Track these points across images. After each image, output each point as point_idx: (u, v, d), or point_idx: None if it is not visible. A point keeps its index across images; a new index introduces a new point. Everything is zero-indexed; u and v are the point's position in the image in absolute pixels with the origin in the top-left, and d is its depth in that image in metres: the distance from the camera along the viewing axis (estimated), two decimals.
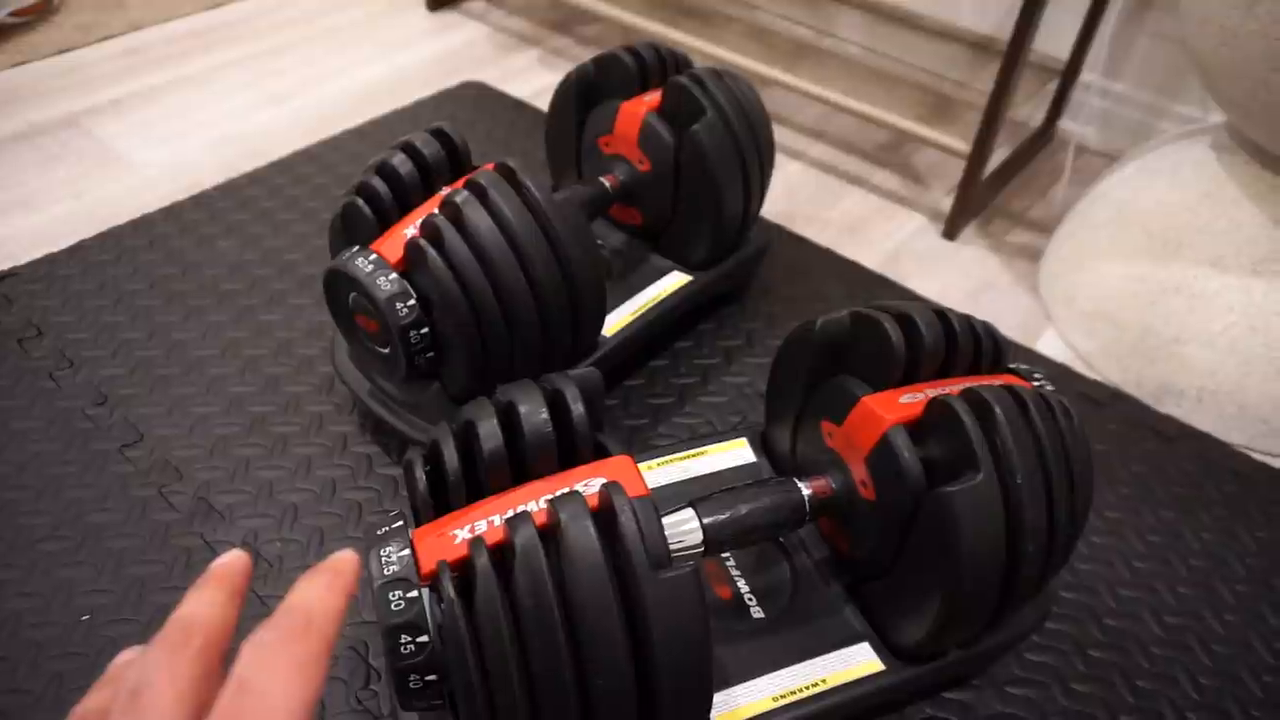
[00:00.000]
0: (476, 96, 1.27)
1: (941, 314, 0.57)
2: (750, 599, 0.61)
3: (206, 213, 1.02)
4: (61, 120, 1.18)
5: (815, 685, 0.56)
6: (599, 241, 0.88)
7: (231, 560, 0.31)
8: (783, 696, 0.55)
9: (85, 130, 1.17)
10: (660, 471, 0.68)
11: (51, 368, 0.82)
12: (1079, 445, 0.54)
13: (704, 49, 1.18)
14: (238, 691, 0.25)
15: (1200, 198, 0.87)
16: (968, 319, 0.58)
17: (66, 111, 1.20)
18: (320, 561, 0.32)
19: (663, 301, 0.82)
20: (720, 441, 0.71)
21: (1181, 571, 0.73)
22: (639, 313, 0.80)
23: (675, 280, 0.84)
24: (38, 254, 0.95)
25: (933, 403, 0.53)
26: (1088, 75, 1.22)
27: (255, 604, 0.66)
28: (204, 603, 0.29)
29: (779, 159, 0.97)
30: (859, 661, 0.58)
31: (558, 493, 0.46)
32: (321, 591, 0.30)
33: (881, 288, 0.99)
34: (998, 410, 0.50)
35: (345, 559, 0.32)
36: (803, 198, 1.14)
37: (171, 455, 0.75)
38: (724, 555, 0.64)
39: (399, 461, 0.76)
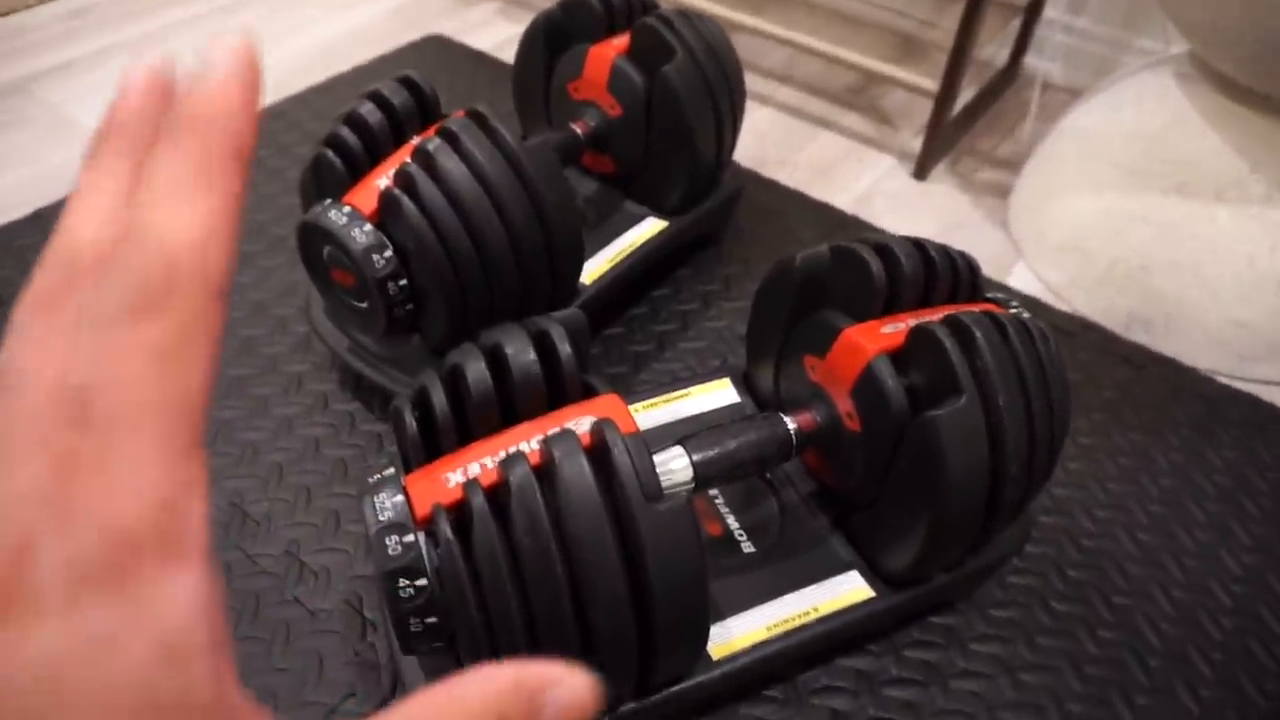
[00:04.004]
0: (438, 51, 1.24)
1: (920, 244, 0.58)
2: (740, 534, 0.62)
3: None
4: (8, 86, 1.14)
5: (807, 614, 0.57)
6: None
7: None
8: (776, 626, 0.57)
9: (34, 96, 1.13)
10: (646, 414, 0.69)
11: None
12: (1057, 368, 0.55)
13: None
14: (76, 426, 0.15)
15: (1164, 127, 0.88)
16: (945, 249, 0.59)
17: (12, 77, 1.16)
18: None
19: (639, 248, 0.82)
20: (703, 383, 0.72)
21: (1153, 492, 0.75)
22: (615, 260, 0.80)
23: (650, 226, 0.84)
24: None
25: (915, 330, 0.53)
26: (1050, 12, 1.22)
27: (245, 564, 0.65)
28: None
29: (747, 104, 0.96)
30: (849, 589, 0.59)
31: (550, 432, 0.47)
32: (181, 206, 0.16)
33: (854, 228, 0.99)
34: (978, 334, 0.51)
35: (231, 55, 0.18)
36: (772, 141, 1.14)
37: None
38: (712, 493, 0.65)
39: (382, 418, 0.76)
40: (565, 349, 0.50)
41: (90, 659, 0.14)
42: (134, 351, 0.15)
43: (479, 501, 0.43)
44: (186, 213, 0.16)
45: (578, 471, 0.44)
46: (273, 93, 1.13)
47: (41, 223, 0.92)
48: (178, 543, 0.15)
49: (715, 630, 0.56)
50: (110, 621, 0.14)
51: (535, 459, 0.45)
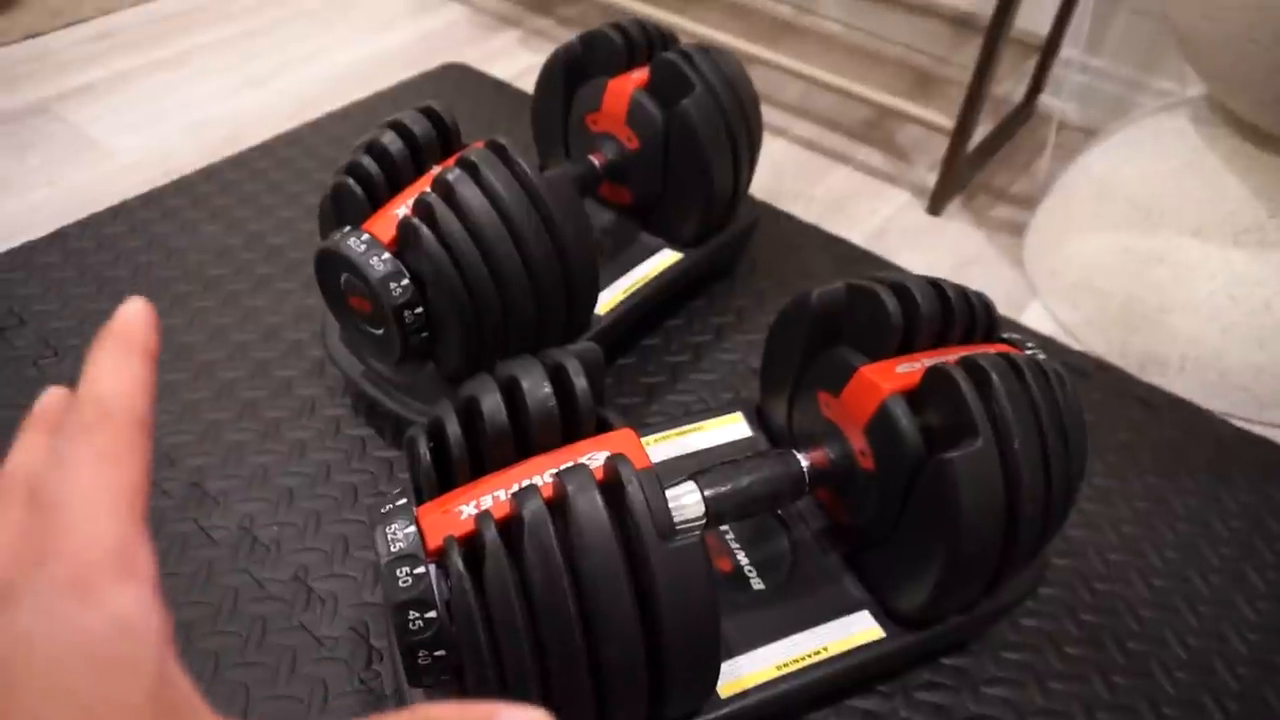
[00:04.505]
0: (458, 78, 1.25)
1: (936, 284, 0.57)
2: (750, 571, 0.62)
3: (188, 198, 1.00)
4: (32, 106, 1.16)
5: (817, 653, 0.57)
6: None
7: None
8: (785, 665, 0.56)
9: (58, 116, 1.14)
10: (657, 447, 0.68)
11: (35, 356, 0.81)
12: (1073, 411, 0.55)
13: (685, 27, 1.18)
14: (35, 512, 0.21)
15: (1182, 169, 0.88)
16: (961, 289, 0.59)
17: (37, 98, 1.17)
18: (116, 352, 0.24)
19: (653, 280, 0.82)
20: (716, 416, 0.71)
21: (1168, 536, 0.75)
22: (630, 291, 0.80)
23: (666, 258, 0.84)
24: (15, 242, 0.93)
25: (931, 371, 0.53)
26: (1068, 51, 1.22)
27: (253, 589, 0.65)
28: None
29: (764, 137, 0.97)
30: (859, 629, 0.58)
31: (563, 466, 0.47)
32: (111, 369, 0.24)
33: (868, 263, 1.00)
34: (995, 377, 0.51)
35: (128, 313, 0.25)
36: (787, 175, 1.14)
37: (162, 442, 0.74)
38: (723, 528, 0.65)
39: (394, 444, 0.76)
40: (581, 383, 0.50)
41: (58, 629, 0.19)
42: (84, 455, 0.22)
43: (491, 534, 0.43)
44: (118, 375, 0.23)
45: (591, 506, 0.44)
46: (292, 118, 1.15)
47: (62, 241, 0.93)
48: (130, 571, 0.20)
49: (724, 668, 0.55)
50: (76, 609, 0.19)
51: (549, 493, 0.45)
